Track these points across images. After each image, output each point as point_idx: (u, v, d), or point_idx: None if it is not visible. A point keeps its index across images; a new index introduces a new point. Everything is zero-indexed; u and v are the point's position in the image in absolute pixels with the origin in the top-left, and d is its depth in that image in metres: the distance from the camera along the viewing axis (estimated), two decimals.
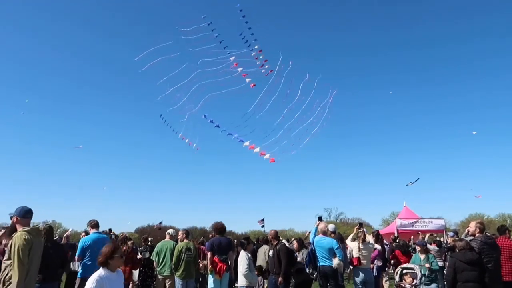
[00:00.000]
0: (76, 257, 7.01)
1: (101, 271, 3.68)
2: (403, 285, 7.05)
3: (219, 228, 7.84)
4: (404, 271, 7.28)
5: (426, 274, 7.99)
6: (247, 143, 13.19)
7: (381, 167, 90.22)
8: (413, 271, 7.20)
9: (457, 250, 6.15)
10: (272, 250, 7.93)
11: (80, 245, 6.79)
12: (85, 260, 6.62)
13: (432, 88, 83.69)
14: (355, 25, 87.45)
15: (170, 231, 8.95)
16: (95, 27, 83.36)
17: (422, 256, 8.39)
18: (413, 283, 7.00)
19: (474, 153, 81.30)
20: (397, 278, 7.30)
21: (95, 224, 7.12)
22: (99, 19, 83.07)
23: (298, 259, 8.94)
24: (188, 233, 8.69)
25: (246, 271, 7.54)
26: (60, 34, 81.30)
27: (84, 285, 3.68)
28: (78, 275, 6.68)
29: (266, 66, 14.21)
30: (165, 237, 8.86)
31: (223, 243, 7.48)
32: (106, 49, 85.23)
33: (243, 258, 7.73)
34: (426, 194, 78.27)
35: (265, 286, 9.26)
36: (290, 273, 7.88)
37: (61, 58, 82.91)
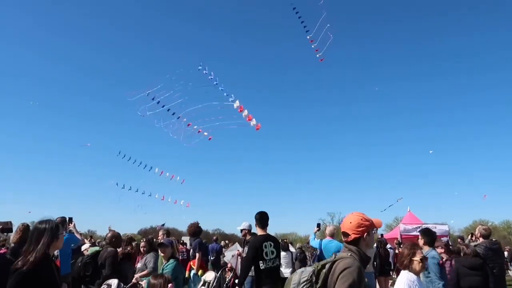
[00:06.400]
0: None
1: (408, 275, 3.47)
2: None
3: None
4: None
5: None
6: (237, 103, 10.77)
7: (385, 171, 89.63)
8: None
9: (462, 255, 6.12)
10: None
11: None
12: None
13: (426, 91, 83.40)
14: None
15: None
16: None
17: None
18: None
19: (481, 158, 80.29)
20: None
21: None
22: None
23: None
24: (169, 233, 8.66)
25: None
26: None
27: None
28: None
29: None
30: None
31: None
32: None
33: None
34: (430, 200, 77.80)
35: None
36: None
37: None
